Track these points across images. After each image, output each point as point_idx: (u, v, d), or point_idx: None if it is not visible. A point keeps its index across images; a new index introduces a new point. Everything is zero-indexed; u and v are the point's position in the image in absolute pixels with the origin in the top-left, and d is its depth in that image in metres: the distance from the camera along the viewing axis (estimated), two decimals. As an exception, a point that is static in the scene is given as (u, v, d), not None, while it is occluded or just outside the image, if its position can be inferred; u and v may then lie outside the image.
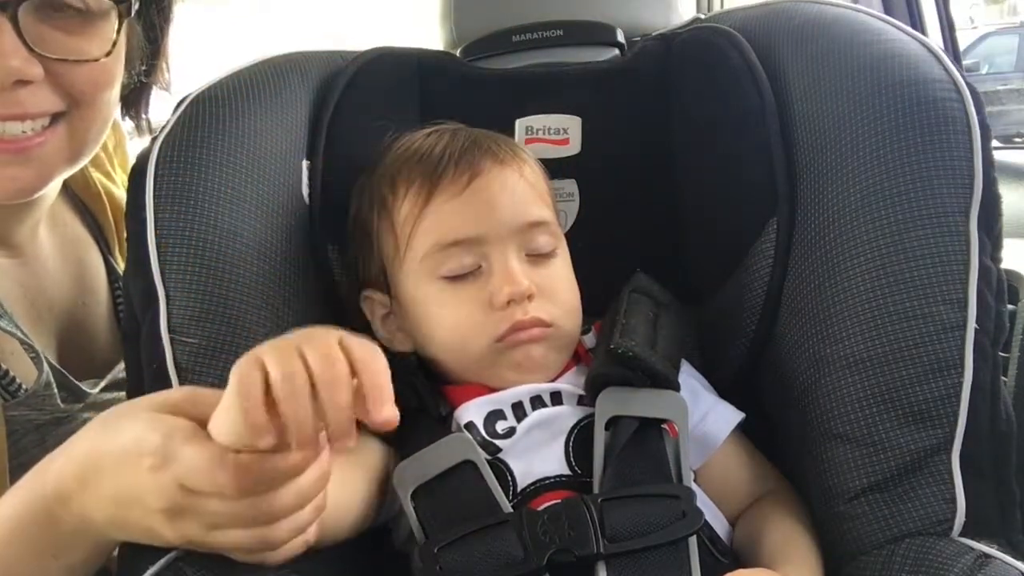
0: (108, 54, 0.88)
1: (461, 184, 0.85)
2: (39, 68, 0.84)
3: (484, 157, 0.87)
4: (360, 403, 0.59)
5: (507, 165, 0.88)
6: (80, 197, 1.12)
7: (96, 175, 1.12)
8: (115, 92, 0.94)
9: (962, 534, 0.77)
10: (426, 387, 0.86)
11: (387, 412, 0.59)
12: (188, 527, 0.67)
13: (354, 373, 0.60)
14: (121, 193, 1.14)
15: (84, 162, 0.97)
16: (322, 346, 0.60)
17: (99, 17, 0.87)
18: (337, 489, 0.73)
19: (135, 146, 1.14)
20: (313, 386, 0.59)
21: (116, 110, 0.99)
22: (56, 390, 0.94)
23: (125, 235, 1.11)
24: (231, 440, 0.63)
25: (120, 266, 1.11)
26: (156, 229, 0.83)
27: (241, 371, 0.60)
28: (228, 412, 0.62)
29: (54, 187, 1.00)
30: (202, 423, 0.66)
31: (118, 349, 1.04)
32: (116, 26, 0.88)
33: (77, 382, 0.98)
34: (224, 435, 0.63)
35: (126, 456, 0.67)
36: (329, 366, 0.59)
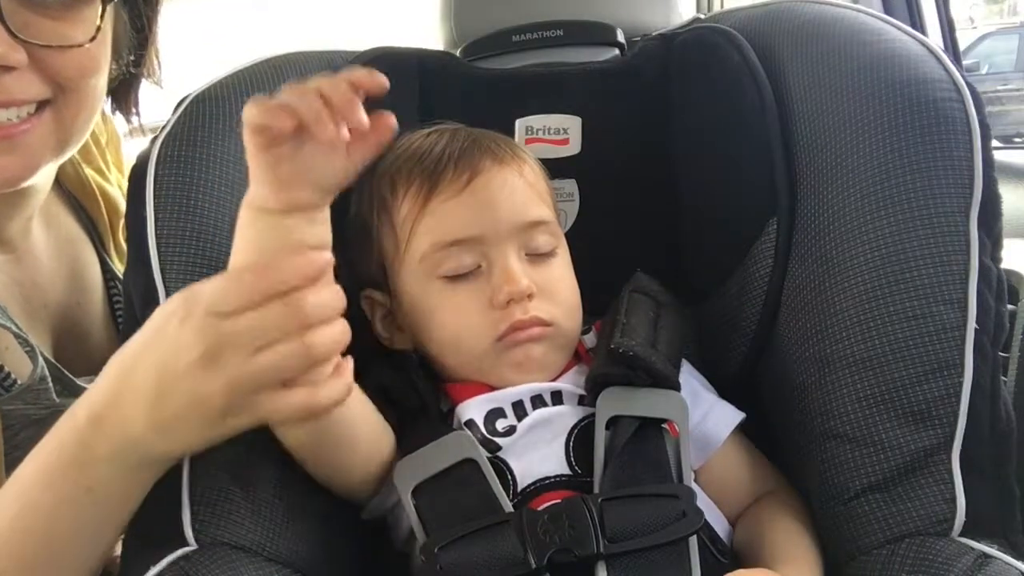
0: (93, 39, 0.88)
1: (460, 184, 0.85)
2: (23, 54, 0.83)
3: (484, 157, 0.87)
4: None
5: (507, 165, 0.88)
6: (74, 194, 1.11)
7: (89, 172, 1.12)
8: (102, 79, 0.93)
9: (962, 534, 0.77)
10: (426, 385, 0.86)
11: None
12: (231, 363, 0.66)
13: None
14: (114, 190, 1.13)
15: (71, 152, 0.96)
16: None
17: (82, 2, 0.87)
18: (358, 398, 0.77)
19: (135, 146, 1.14)
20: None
21: (104, 99, 0.98)
22: (51, 384, 0.94)
23: (120, 232, 1.11)
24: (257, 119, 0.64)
25: (115, 263, 1.11)
26: (157, 229, 0.83)
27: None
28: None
29: (45, 181, 1.00)
30: None
31: (114, 346, 1.03)
32: (100, 11, 0.88)
33: (73, 378, 0.98)
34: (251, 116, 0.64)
35: (153, 333, 0.69)
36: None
